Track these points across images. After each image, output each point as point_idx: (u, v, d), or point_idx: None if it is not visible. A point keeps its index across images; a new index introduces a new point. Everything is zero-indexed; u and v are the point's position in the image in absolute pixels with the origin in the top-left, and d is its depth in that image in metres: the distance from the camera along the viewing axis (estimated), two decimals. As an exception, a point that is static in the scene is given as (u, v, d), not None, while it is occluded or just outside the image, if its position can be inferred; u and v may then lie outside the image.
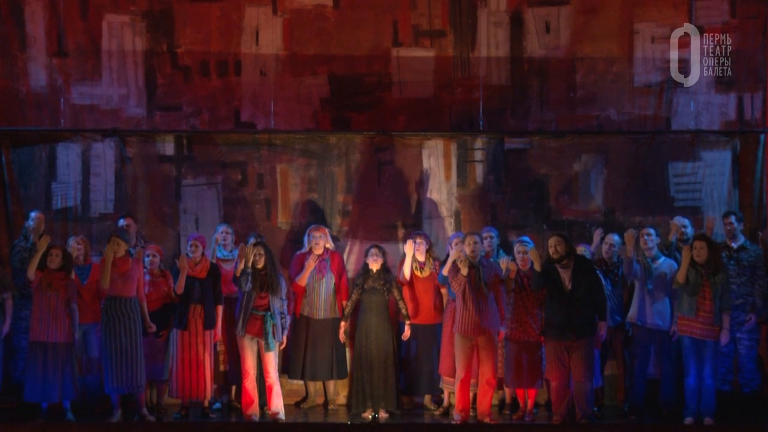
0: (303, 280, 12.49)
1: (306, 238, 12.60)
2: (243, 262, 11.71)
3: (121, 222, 12.49)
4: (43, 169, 13.24)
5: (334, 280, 12.61)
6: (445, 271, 11.91)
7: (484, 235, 12.33)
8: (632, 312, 12.07)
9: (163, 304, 12.06)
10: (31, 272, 11.66)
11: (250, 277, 11.70)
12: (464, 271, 11.60)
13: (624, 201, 13.13)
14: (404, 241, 12.54)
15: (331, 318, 12.52)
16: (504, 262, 11.98)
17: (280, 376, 12.30)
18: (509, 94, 13.46)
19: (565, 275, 11.58)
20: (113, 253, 11.62)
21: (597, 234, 12.57)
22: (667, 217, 12.77)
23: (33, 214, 12.48)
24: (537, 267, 11.59)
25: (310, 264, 12.45)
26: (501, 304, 11.81)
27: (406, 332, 12.27)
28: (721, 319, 11.56)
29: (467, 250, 11.69)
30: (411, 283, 12.41)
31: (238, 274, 11.74)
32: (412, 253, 12.29)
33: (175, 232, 13.20)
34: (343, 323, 12.33)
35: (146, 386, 12.00)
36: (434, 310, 12.45)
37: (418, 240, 12.39)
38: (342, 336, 12.35)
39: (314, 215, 13.16)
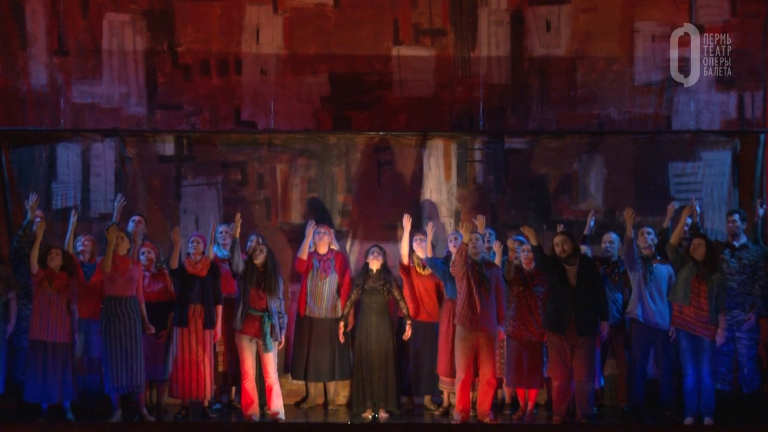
0: (304, 253, 12.54)
1: (311, 237, 12.62)
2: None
3: (134, 217, 12.49)
4: (43, 169, 13.26)
5: (337, 280, 12.62)
6: (429, 253, 12.08)
7: (485, 233, 12.39)
8: (631, 307, 12.06)
9: (159, 301, 12.08)
10: (34, 260, 11.68)
11: (238, 250, 11.75)
12: (466, 238, 11.59)
13: (624, 201, 13.12)
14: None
15: (333, 318, 12.52)
16: (497, 245, 12.08)
17: (282, 377, 12.33)
18: (510, 92, 13.48)
19: (571, 272, 11.59)
20: (115, 245, 11.63)
21: (590, 215, 12.63)
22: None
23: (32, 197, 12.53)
24: (533, 242, 11.60)
25: (309, 233, 12.51)
26: (501, 303, 11.83)
27: (408, 332, 12.28)
28: (717, 318, 11.58)
29: (469, 246, 11.70)
30: (412, 281, 12.43)
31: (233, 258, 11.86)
32: (409, 228, 12.31)
33: (175, 232, 13.21)
34: (341, 323, 12.34)
35: (146, 386, 12.03)
36: (436, 308, 12.46)
37: (419, 236, 12.40)
38: (341, 336, 12.35)
39: (314, 215, 13.15)
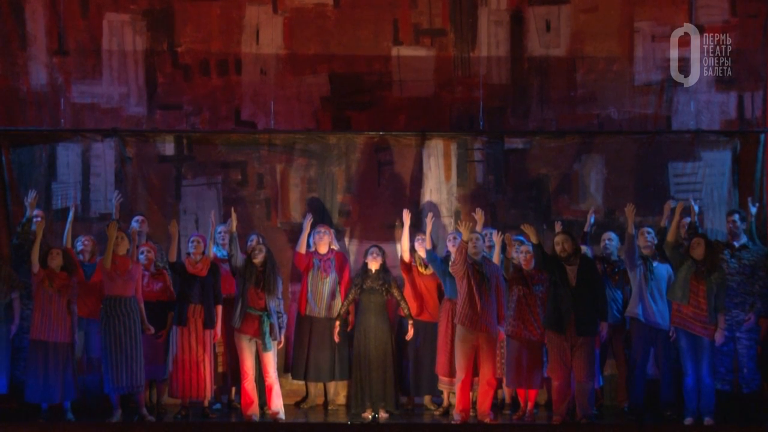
0: (302, 247, 12.60)
1: (311, 238, 12.62)
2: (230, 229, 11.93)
3: (137, 217, 12.50)
4: (43, 169, 13.26)
5: (337, 280, 12.62)
6: (428, 245, 12.09)
7: (484, 233, 12.39)
8: (631, 307, 12.06)
9: (159, 301, 12.07)
10: (34, 260, 11.68)
11: (236, 243, 11.75)
12: (465, 236, 11.57)
13: (624, 201, 13.06)
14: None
15: (333, 318, 12.51)
16: (496, 236, 12.10)
17: (282, 377, 12.33)
18: (509, 93, 13.48)
19: (571, 272, 11.59)
20: (115, 244, 11.63)
21: (590, 212, 12.65)
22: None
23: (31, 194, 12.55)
24: (534, 240, 11.60)
25: (307, 227, 12.56)
26: (501, 303, 11.83)
27: (410, 332, 12.27)
28: (716, 318, 11.58)
29: (469, 245, 11.69)
30: (413, 280, 12.43)
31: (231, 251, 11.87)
32: (409, 223, 12.33)
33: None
34: (337, 322, 12.32)
35: (146, 386, 12.03)
36: (437, 308, 12.45)
37: (421, 236, 12.40)
38: (336, 336, 12.33)
39: (314, 215, 13.13)
